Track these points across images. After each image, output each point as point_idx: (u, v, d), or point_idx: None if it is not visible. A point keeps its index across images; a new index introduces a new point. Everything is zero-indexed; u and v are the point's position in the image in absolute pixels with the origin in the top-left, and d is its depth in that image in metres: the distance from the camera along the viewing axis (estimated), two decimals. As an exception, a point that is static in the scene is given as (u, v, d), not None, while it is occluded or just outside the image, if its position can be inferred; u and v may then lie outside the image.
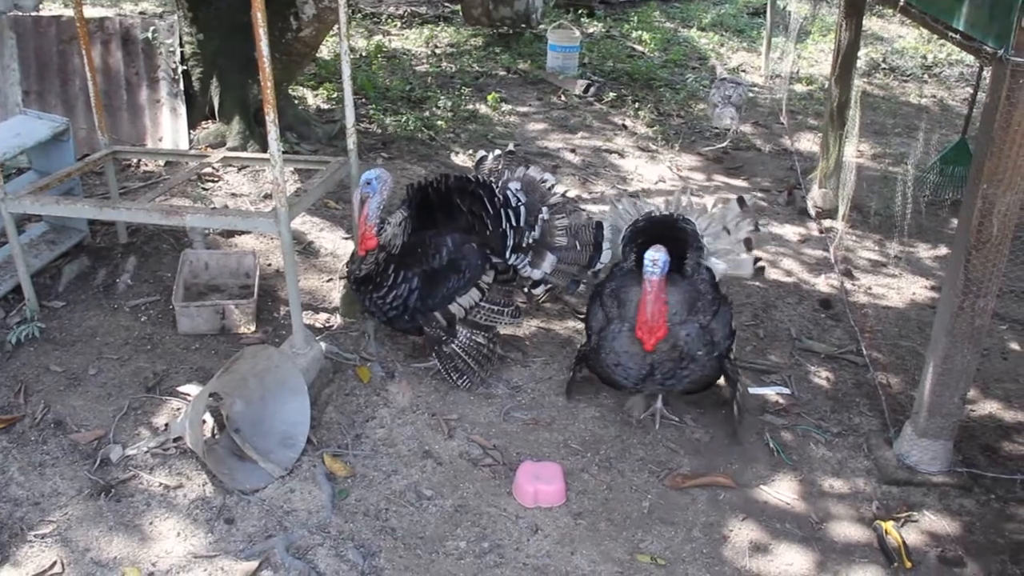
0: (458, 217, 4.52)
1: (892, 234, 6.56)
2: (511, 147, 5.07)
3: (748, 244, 4.53)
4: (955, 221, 6.86)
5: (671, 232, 4.38)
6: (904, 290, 5.87)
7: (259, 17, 3.62)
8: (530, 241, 4.53)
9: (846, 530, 3.80)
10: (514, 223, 4.49)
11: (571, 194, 6.74)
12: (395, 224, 4.44)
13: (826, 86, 8.82)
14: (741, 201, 4.72)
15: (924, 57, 11.70)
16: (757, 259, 4.59)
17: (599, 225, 4.52)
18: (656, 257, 3.91)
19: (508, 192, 4.52)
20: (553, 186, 4.78)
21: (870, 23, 12.52)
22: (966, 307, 3.72)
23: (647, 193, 7.19)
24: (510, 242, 4.51)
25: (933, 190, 7.09)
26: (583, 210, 5.41)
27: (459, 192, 4.52)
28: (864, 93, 8.08)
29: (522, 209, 4.51)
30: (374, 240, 4.37)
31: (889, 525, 3.76)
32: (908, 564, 3.59)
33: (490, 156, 4.93)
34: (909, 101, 10.15)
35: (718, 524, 3.80)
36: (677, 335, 4.05)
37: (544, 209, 4.60)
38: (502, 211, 4.49)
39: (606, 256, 4.67)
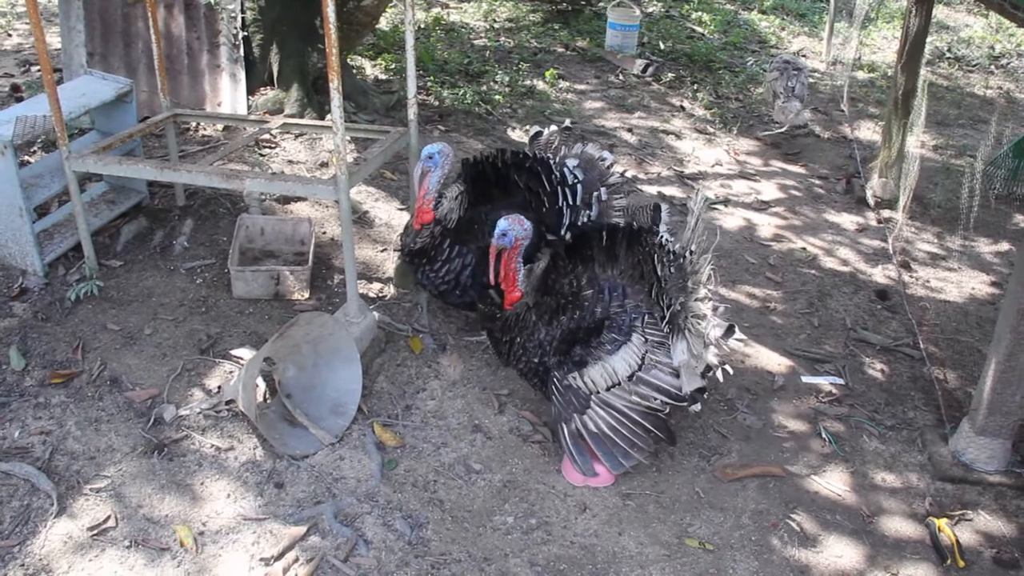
0: (515, 193, 4.48)
1: (952, 227, 6.43)
2: (568, 123, 5.00)
3: (706, 370, 3.73)
4: (1018, 216, 6.72)
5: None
6: (963, 284, 5.75)
7: (327, -17, 3.63)
8: (586, 220, 4.48)
9: (898, 525, 3.75)
10: (571, 201, 4.44)
11: (627, 174, 6.70)
12: (451, 198, 4.43)
13: (889, 74, 8.68)
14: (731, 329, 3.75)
15: (991, 47, 11.41)
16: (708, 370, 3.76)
17: (657, 207, 4.47)
18: (504, 228, 3.92)
19: (565, 169, 4.47)
20: (612, 165, 4.71)
21: (936, 10, 12.24)
22: (1034, 304, 3.64)
23: (703, 176, 7.12)
24: (566, 220, 4.45)
25: (1000, 184, 6.95)
26: (641, 191, 5.33)
27: (516, 168, 4.49)
28: (928, 83, 7.90)
29: (579, 187, 4.45)
30: (431, 214, 4.36)
31: (942, 522, 3.69)
32: (961, 563, 3.53)
33: (545, 132, 4.88)
34: (974, 92, 9.91)
35: (767, 512, 3.76)
36: (521, 310, 4.04)
37: (603, 189, 4.54)
38: (559, 188, 4.44)
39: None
